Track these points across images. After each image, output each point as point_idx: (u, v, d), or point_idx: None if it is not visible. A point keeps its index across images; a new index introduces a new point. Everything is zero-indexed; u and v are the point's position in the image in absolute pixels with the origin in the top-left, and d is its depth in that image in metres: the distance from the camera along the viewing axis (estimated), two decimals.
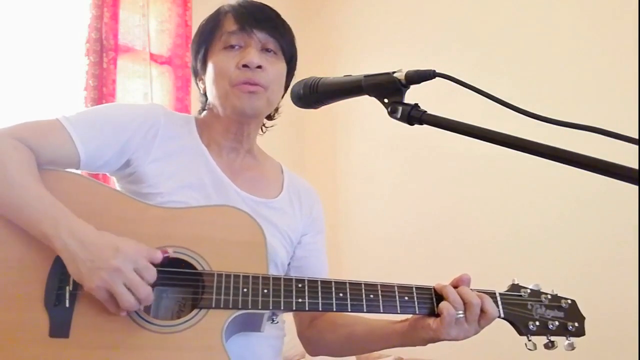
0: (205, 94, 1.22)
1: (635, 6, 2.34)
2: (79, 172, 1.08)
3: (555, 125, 0.70)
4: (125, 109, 1.20)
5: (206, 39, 1.18)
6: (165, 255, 0.95)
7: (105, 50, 2.70)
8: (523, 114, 0.72)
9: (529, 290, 1.11)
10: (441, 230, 3.01)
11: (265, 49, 1.16)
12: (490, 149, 0.80)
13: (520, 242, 2.67)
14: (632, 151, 0.81)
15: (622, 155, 0.75)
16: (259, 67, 1.12)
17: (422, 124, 0.79)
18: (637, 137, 0.66)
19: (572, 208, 2.59)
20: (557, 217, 2.63)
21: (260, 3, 1.21)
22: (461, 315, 1.02)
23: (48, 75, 2.61)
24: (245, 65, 1.11)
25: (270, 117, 1.29)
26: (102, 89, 2.67)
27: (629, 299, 2.28)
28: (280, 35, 1.18)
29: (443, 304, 1.03)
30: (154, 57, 2.92)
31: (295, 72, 1.26)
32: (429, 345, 1.08)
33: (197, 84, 1.25)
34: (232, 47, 1.14)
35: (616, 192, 1.69)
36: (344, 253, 3.37)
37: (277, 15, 1.20)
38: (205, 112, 1.24)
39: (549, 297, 1.11)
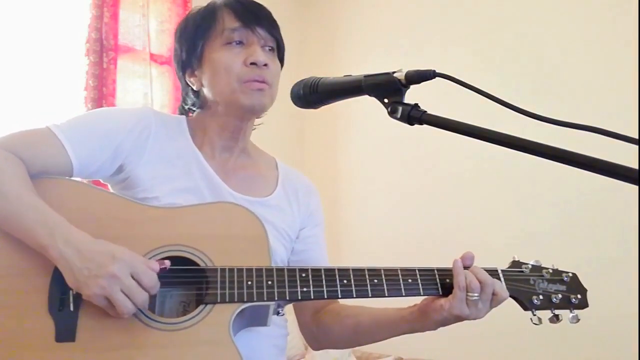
0: (196, 91, 1.20)
1: (635, 6, 2.34)
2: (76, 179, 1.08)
3: (555, 125, 0.70)
4: (116, 113, 1.20)
5: (203, 34, 1.17)
6: (163, 267, 0.94)
7: (105, 50, 2.70)
8: (523, 114, 0.72)
9: (530, 266, 1.12)
10: (440, 229, 3.01)
11: (265, 46, 1.16)
12: (490, 149, 0.80)
13: (519, 240, 2.67)
14: (632, 151, 0.81)
15: (622, 155, 0.75)
16: (265, 64, 1.13)
17: (422, 124, 0.78)
18: (637, 137, 0.66)
19: (572, 208, 2.59)
20: (557, 216, 2.63)
21: (254, 1, 1.21)
22: (477, 297, 1.02)
23: (48, 75, 2.60)
24: (252, 63, 1.12)
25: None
26: (102, 89, 2.67)
27: (629, 299, 2.29)
28: (277, 33, 1.19)
29: (453, 281, 1.03)
30: (154, 57, 2.93)
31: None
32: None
33: (185, 79, 1.21)
34: (234, 43, 1.14)
35: (616, 192, 1.69)
36: (344, 252, 3.37)
37: (270, 13, 1.20)
38: (197, 112, 1.22)
39: (550, 271, 1.12)
